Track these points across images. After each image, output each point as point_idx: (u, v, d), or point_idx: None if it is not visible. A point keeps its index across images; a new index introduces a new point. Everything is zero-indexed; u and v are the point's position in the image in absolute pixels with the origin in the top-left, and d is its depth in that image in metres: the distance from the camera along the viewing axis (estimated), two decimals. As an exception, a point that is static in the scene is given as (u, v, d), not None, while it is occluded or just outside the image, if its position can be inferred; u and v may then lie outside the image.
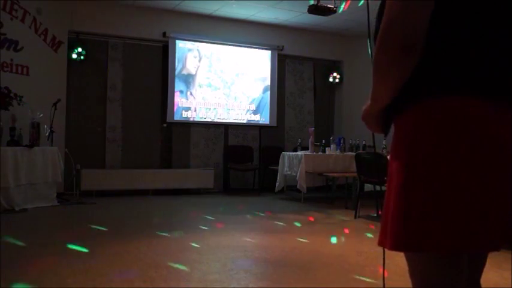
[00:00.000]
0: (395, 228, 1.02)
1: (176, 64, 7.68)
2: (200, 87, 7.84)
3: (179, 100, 7.70)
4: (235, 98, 8.12)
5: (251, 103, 8.26)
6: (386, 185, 1.13)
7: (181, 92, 7.69)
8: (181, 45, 7.75)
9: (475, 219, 0.96)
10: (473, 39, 1.00)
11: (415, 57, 0.99)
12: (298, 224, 5.12)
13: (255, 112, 8.34)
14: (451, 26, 1.02)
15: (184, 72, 7.73)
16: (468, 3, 1.01)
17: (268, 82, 8.40)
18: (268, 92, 8.39)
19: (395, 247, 1.02)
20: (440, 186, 0.97)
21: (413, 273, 1.09)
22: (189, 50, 7.78)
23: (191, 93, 7.75)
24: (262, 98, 8.35)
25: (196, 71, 7.81)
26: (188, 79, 7.75)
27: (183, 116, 7.77)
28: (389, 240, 1.03)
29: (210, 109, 7.92)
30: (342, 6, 6.57)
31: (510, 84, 1.00)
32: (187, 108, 7.78)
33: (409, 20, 0.96)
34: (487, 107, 0.98)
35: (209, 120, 7.96)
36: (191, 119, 7.82)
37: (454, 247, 0.97)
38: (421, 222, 0.98)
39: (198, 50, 7.84)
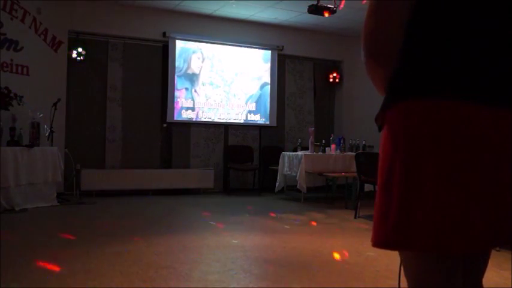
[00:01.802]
0: (376, 226, 1.04)
1: (182, 64, 7.82)
2: (203, 85, 7.95)
3: (182, 99, 7.78)
4: (234, 95, 8.18)
5: (249, 99, 8.31)
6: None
7: (186, 89, 7.83)
8: (182, 45, 7.78)
9: (452, 220, 0.95)
10: (464, 40, 1.01)
11: (388, 67, 1.07)
12: (298, 224, 5.13)
13: (255, 112, 8.35)
14: (439, 27, 1.03)
15: (189, 71, 7.87)
16: (456, 5, 1.02)
17: (265, 79, 8.43)
18: (267, 87, 8.42)
19: (376, 244, 1.04)
20: (417, 186, 0.98)
21: (407, 273, 1.10)
22: (194, 51, 7.90)
23: (195, 91, 7.89)
24: (260, 94, 8.39)
25: (199, 71, 7.94)
26: (193, 78, 7.90)
27: (184, 116, 7.78)
28: (372, 237, 1.05)
29: (211, 108, 7.95)
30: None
31: (502, 86, 1.00)
32: (188, 108, 7.81)
33: (381, 35, 1.07)
34: (473, 109, 0.97)
35: (209, 120, 7.97)
36: (193, 119, 7.85)
37: (431, 247, 0.97)
38: (399, 222, 0.99)
39: (201, 51, 7.94)
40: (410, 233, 0.97)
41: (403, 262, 1.10)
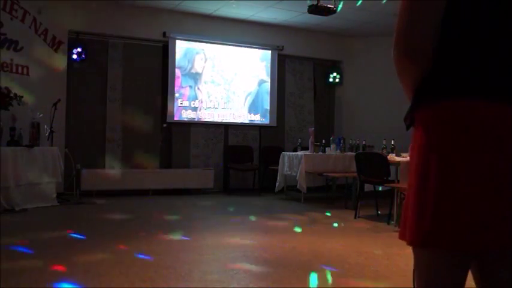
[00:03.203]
0: (412, 226, 1.06)
1: (187, 64, 7.92)
2: (205, 83, 8.05)
3: (187, 96, 7.85)
4: (233, 92, 8.24)
5: (248, 96, 8.36)
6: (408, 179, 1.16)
7: (190, 87, 7.94)
8: (186, 45, 7.82)
9: (485, 219, 0.98)
10: (484, 43, 1.03)
11: (422, 65, 1.06)
12: (298, 224, 5.12)
13: (255, 112, 8.36)
14: (461, 30, 1.04)
15: (193, 71, 8.00)
16: (478, 8, 1.03)
17: (262, 76, 8.47)
18: (264, 84, 8.45)
19: (412, 243, 1.07)
20: (451, 187, 1.00)
21: (418, 272, 1.12)
22: (197, 52, 7.99)
23: (198, 88, 8.00)
24: (258, 91, 8.42)
25: (202, 70, 8.04)
26: (196, 77, 8.01)
27: (184, 116, 7.79)
28: (408, 237, 1.08)
29: (211, 106, 7.99)
30: (341, 5, 6.52)
31: None
32: (188, 108, 7.82)
33: (415, 34, 1.04)
34: (496, 109, 1.00)
35: (209, 120, 7.98)
36: (194, 119, 7.86)
37: (466, 245, 1.00)
38: (434, 222, 1.01)
39: (204, 52, 8.03)
40: (446, 232, 1.00)
41: (415, 261, 1.12)
